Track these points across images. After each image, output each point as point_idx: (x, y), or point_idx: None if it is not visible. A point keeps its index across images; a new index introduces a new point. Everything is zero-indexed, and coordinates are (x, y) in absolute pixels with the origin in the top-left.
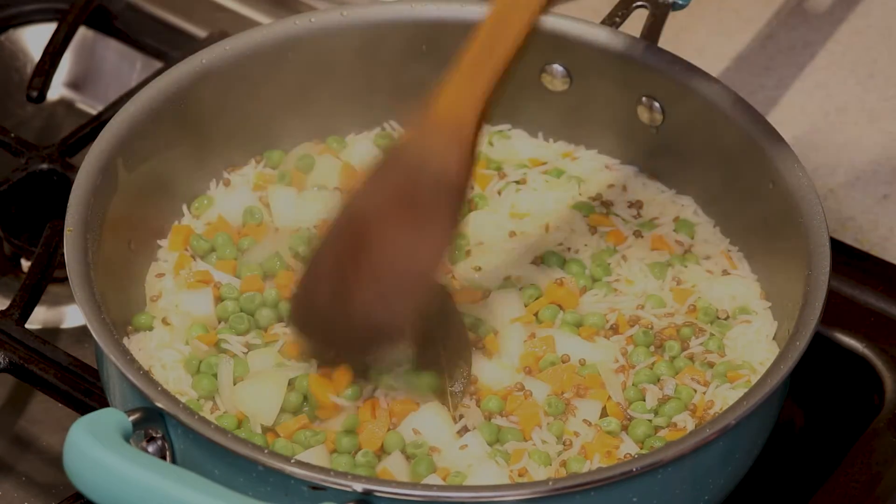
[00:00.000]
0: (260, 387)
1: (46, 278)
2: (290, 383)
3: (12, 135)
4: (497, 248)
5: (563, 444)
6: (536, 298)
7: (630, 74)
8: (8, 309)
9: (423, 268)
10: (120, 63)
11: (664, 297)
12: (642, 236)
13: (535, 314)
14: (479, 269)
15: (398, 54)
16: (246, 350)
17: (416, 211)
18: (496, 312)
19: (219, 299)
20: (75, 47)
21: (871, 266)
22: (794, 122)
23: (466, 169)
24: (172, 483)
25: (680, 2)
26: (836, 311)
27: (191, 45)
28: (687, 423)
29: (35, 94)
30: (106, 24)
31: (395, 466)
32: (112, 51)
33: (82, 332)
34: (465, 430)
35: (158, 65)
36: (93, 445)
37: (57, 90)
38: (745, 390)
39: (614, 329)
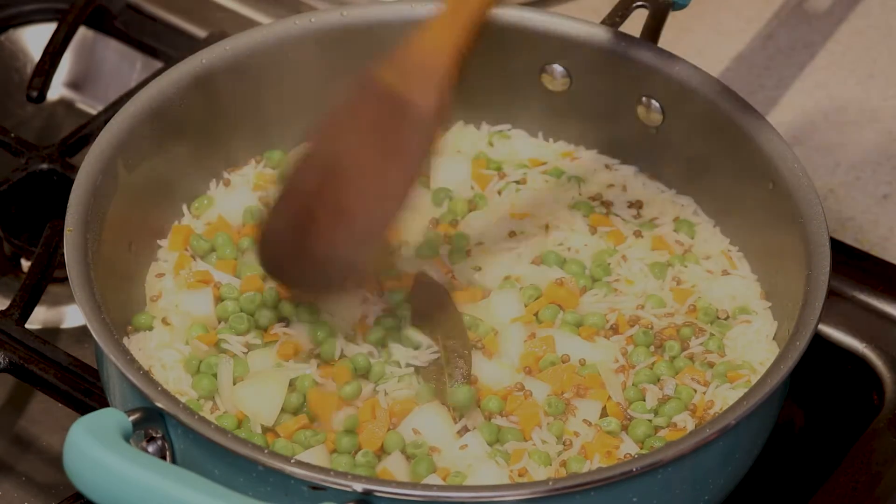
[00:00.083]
0: (260, 387)
1: (46, 278)
2: (291, 383)
3: (12, 135)
4: (497, 248)
5: (563, 444)
6: (536, 298)
7: (630, 74)
8: (8, 309)
9: (391, 199)
10: (120, 63)
11: (664, 297)
12: (642, 236)
13: (535, 314)
14: (479, 269)
15: None
16: (246, 350)
17: (385, 142)
18: (496, 312)
19: (219, 299)
20: (75, 47)
21: (871, 266)
22: (794, 122)
23: (438, 109)
24: (172, 483)
25: (680, 2)
26: (836, 311)
27: (191, 45)
28: (687, 423)
29: (35, 94)
30: (106, 24)
31: (395, 466)
32: (112, 51)
33: (82, 332)
34: (465, 430)
35: (158, 65)
36: (93, 445)
37: (57, 90)
38: (745, 390)
39: (614, 329)
